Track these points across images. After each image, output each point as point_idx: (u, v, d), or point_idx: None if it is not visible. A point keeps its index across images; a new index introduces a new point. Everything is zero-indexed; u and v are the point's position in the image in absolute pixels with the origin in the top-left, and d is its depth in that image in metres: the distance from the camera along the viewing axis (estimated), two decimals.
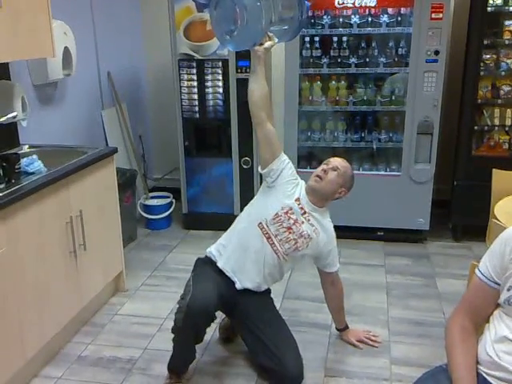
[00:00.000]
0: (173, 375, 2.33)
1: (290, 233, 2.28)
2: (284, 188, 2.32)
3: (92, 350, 2.64)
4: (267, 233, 2.28)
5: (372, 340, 2.62)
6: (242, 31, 2.02)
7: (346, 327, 2.64)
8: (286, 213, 2.28)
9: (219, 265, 2.33)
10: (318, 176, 2.32)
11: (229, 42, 2.13)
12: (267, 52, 2.24)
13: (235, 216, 2.49)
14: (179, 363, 2.33)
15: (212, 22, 2.13)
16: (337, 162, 2.37)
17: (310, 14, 3.59)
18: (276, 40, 2.28)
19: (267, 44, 2.21)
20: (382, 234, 3.83)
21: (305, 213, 2.31)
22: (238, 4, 1.98)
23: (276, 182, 2.32)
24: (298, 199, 2.32)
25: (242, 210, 2.43)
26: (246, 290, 2.31)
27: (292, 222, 2.28)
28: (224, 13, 2.05)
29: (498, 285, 1.50)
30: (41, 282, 2.38)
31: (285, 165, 2.34)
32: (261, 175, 2.38)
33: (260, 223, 2.29)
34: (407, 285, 3.23)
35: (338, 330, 2.67)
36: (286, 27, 2.33)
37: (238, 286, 2.30)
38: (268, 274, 2.34)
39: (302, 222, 2.30)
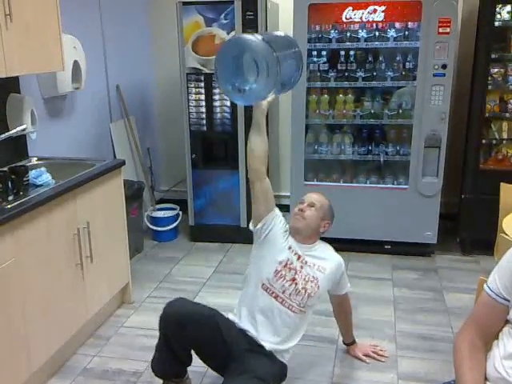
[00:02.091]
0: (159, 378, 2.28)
1: (296, 284, 2.19)
2: (277, 241, 2.25)
3: (97, 362, 2.63)
4: (273, 292, 2.19)
5: (379, 354, 2.61)
6: (256, 89, 1.97)
7: (354, 342, 2.62)
8: (285, 266, 2.20)
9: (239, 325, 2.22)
10: (296, 215, 2.29)
11: (237, 97, 2.07)
12: (270, 105, 2.22)
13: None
14: (156, 366, 2.24)
15: (219, 73, 2.02)
16: (310, 197, 2.33)
17: (317, 28, 3.62)
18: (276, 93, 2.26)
19: (270, 97, 2.18)
20: (389, 247, 3.80)
21: (299, 257, 2.24)
22: (262, 68, 1.90)
23: (269, 235, 2.24)
24: (290, 247, 2.25)
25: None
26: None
27: (294, 272, 2.20)
28: (237, 67, 1.97)
29: (508, 301, 1.48)
30: (47, 293, 2.39)
31: (278, 217, 2.29)
32: None
33: (263, 285, 2.20)
34: (415, 299, 3.20)
35: (345, 344, 2.65)
36: (286, 80, 2.26)
37: (266, 346, 2.16)
38: (289, 335, 2.21)
39: (302, 267, 2.22)
